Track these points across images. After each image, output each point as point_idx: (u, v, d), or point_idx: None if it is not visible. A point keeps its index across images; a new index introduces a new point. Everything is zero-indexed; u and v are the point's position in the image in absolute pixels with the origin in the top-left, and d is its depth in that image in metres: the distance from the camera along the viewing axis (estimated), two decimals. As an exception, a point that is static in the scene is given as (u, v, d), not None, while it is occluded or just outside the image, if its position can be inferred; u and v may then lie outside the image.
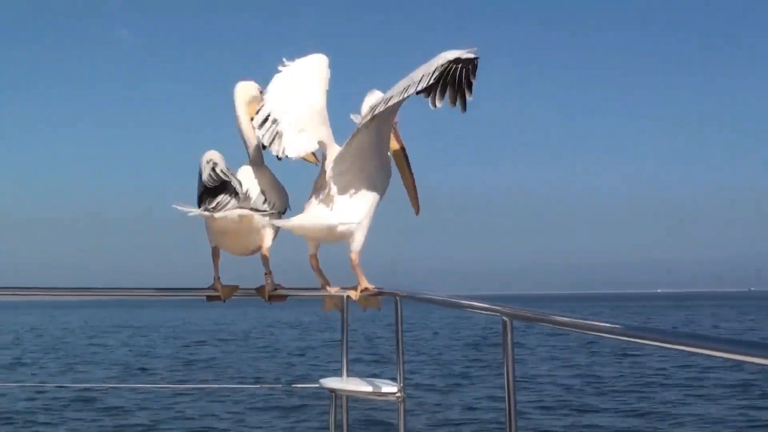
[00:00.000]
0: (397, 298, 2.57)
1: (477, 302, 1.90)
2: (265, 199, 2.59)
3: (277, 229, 2.66)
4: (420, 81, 2.18)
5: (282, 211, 2.68)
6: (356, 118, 2.61)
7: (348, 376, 2.82)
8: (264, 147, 2.60)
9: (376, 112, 2.35)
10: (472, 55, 2.17)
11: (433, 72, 2.16)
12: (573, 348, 17.99)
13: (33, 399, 10.33)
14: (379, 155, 2.57)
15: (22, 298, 3.03)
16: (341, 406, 2.83)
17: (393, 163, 2.74)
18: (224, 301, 2.75)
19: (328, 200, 2.52)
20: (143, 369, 15.22)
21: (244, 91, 2.71)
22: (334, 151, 2.55)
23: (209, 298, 2.75)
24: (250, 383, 12.92)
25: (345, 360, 2.85)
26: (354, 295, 2.66)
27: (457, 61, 2.16)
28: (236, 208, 2.49)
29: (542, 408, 9.80)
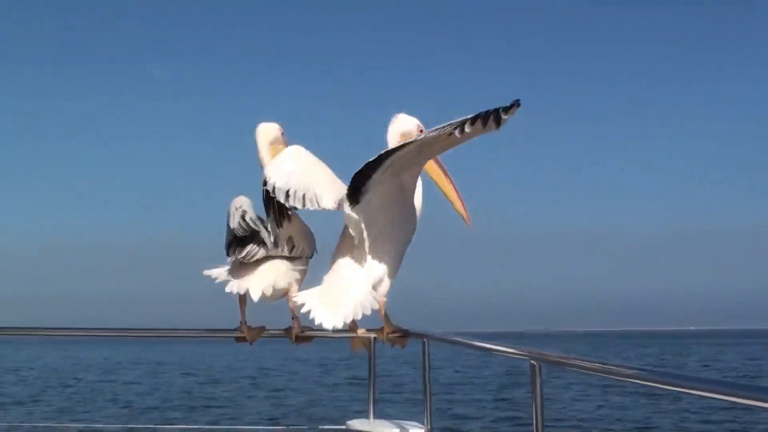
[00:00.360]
0: (425, 340, 2.58)
1: (505, 346, 1.90)
2: (294, 246, 2.61)
3: (303, 274, 2.69)
4: (454, 124, 2.12)
5: (309, 256, 2.71)
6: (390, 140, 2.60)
7: (375, 417, 2.81)
8: (296, 208, 2.54)
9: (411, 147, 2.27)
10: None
11: (470, 117, 2.09)
12: (604, 387, 17.54)
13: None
14: (403, 205, 2.56)
15: (41, 337, 3.08)
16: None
17: (432, 184, 2.72)
18: (251, 344, 2.78)
19: (360, 258, 2.51)
20: (156, 408, 14.79)
21: (266, 132, 2.75)
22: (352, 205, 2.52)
23: (237, 339, 2.79)
24: (273, 424, 12.77)
25: (372, 401, 2.84)
26: (381, 337, 2.68)
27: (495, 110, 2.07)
28: (265, 256, 2.53)
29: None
